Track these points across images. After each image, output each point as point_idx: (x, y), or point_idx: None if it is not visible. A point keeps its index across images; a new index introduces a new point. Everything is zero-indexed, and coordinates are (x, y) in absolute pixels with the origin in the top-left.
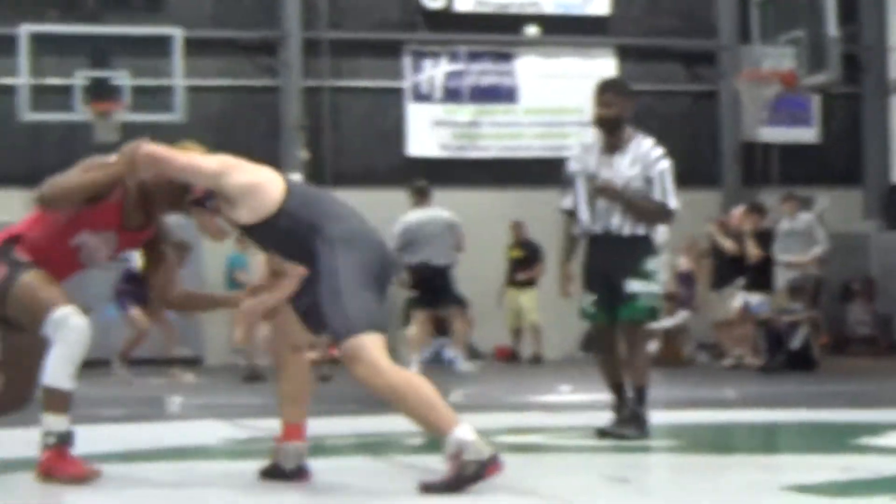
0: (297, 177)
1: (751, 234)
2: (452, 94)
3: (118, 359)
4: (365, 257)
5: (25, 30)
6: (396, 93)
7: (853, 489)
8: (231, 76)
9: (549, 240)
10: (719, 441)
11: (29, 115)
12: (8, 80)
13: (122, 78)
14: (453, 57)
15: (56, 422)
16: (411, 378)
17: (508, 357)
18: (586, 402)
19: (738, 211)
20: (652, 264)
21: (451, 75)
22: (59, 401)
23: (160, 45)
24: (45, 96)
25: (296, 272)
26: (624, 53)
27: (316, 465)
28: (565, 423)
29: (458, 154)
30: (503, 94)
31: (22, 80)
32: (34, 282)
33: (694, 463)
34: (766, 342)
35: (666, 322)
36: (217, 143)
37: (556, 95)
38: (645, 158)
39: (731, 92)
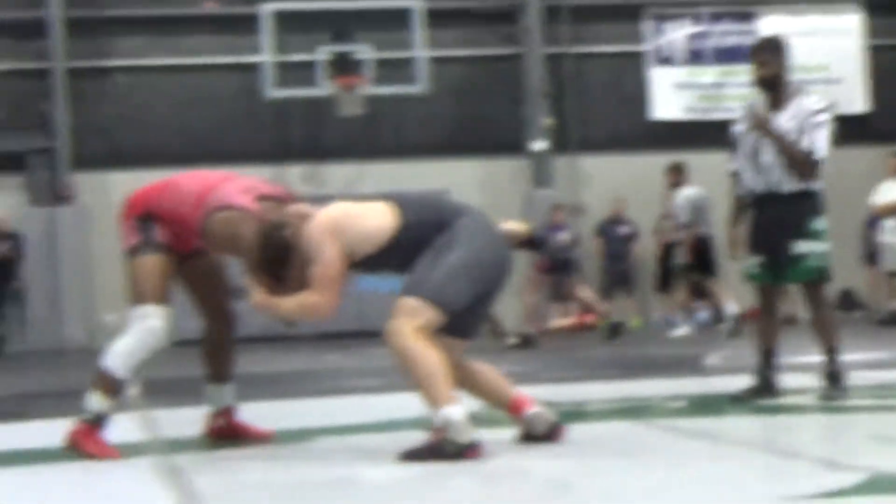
0: (541, 145)
1: None
2: (695, 56)
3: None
4: (485, 254)
5: (268, 8)
6: (638, 57)
7: None
8: (472, 46)
9: None
10: None
11: (274, 93)
12: (252, 59)
13: (364, 51)
14: (695, 19)
15: (99, 402)
16: (428, 350)
17: None
18: (847, 362)
19: None
20: (819, 223)
21: (694, 37)
22: (109, 384)
23: (401, 18)
24: (288, 73)
25: None
26: (871, 8)
27: (577, 430)
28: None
29: (703, 116)
30: (747, 54)
31: (266, 57)
32: (148, 267)
33: None
34: None
35: None
36: (460, 114)
37: (800, 53)
38: (804, 112)
39: None
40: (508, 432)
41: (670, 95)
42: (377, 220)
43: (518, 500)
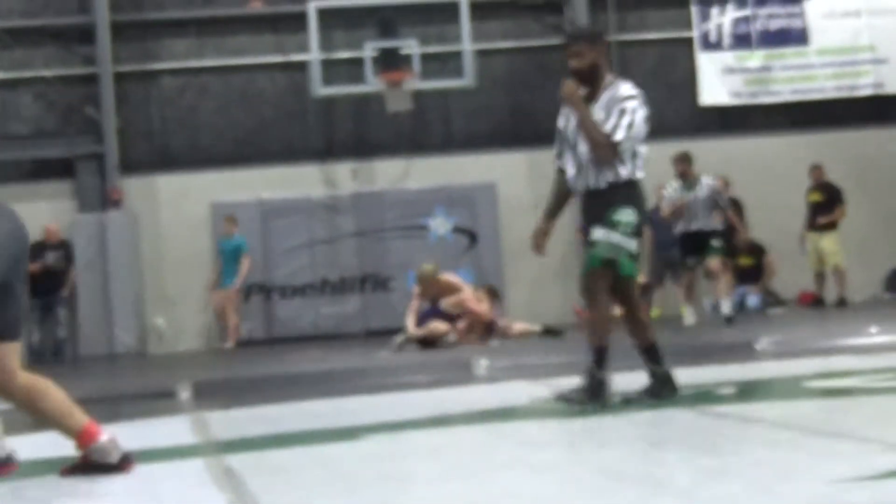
0: None
1: None
2: (741, 41)
3: None
4: (10, 257)
5: (314, 6)
6: (685, 43)
7: None
8: (518, 37)
9: (847, 182)
10: None
11: (321, 90)
12: (299, 57)
13: (410, 46)
14: (740, 3)
15: None
16: (45, 381)
17: (813, 302)
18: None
19: None
20: (622, 215)
21: (739, 21)
22: None
23: (447, 11)
24: (335, 70)
25: None
26: None
27: (630, 418)
28: (877, 365)
29: (750, 100)
30: (793, 37)
31: (313, 55)
32: None
33: None
34: None
35: None
36: (507, 106)
37: (846, 34)
38: (614, 100)
39: None
40: (558, 423)
41: (717, 81)
42: None
43: (572, 490)
